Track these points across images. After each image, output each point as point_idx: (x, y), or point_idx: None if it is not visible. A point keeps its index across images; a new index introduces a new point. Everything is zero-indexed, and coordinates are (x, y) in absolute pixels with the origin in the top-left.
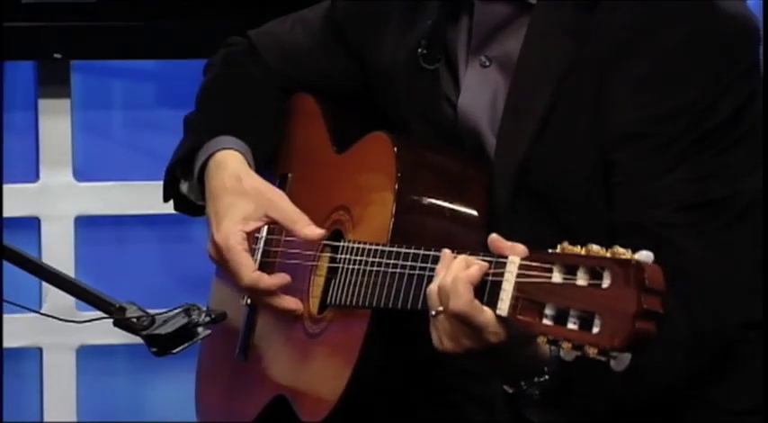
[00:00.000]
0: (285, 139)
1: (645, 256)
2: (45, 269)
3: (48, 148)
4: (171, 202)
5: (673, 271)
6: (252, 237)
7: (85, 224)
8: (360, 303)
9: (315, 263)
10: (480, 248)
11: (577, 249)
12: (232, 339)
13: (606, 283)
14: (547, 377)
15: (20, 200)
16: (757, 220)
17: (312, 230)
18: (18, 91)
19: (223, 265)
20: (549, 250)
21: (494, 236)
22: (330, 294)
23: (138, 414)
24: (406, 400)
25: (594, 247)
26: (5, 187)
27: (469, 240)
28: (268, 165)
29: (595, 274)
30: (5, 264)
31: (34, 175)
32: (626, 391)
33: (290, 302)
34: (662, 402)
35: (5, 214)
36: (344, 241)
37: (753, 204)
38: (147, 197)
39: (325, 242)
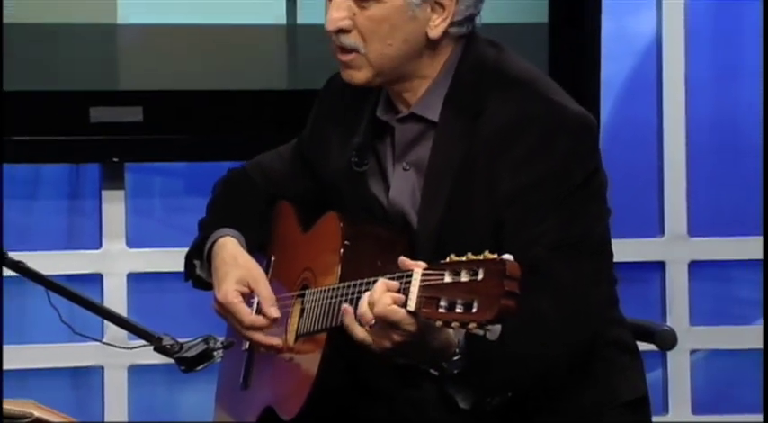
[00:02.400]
0: (271, 234)
1: (506, 256)
2: (105, 310)
3: (108, 224)
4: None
5: (549, 290)
6: (247, 297)
7: (135, 279)
8: (320, 328)
9: (290, 309)
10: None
11: (461, 258)
12: (237, 377)
13: (480, 276)
14: (459, 356)
15: (87, 261)
16: (607, 257)
17: (273, 311)
18: (87, 185)
19: (226, 316)
20: (441, 261)
21: (401, 257)
22: (299, 327)
23: (173, 414)
24: (353, 405)
25: (471, 255)
26: (78, 252)
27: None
28: (259, 250)
29: (473, 272)
30: (76, 307)
31: (98, 244)
32: (515, 372)
33: (273, 340)
34: (542, 386)
35: (78, 271)
36: (309, 289)
37: (602, 245)
38: (179, 260)
39: (296, 293)
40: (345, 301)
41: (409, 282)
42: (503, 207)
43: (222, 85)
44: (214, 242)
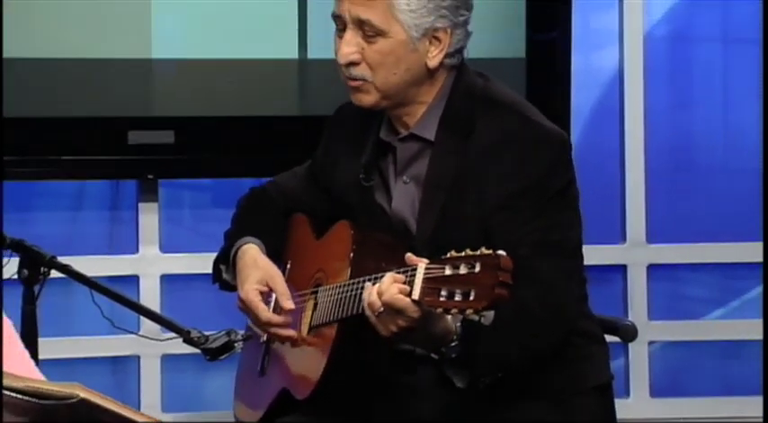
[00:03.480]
0: (287, 242)
1: (500, 252)
2: (141, 307)
3: (144, 232)
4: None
5: (533, 285)
6: (265, 295)
7: (167, 280)
8: (332, 319)
9: (304, 305)
10: None
11: (460, 254)
12: (255, 365)
13: (477, 269)
14: (456, 343)
15: (126, 264)
16: (580, 259)
17: (288, 304)
18: (126, 198)
19: (247, 312)
20: (442, 257)
21: (408, 254)
22: (313, 320)
23: (200, 397)
24: (358, 389)
25: (469, 251)
26: (118, 257)
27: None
28: (276, 256)
29: (471, 266)
30: (116, 304)
31: (135, 249)
32: (504, 355)
33: (289, 332)
34: (527, 367)
35: (117, 273)
36: (321, 287)
37: (576, 248)
38: (206, 263)
39: (309, 290)
40: (355, 294)
41: (414, 275)
42: (491, 213)
43: (242, 112)
44: (238, 249)
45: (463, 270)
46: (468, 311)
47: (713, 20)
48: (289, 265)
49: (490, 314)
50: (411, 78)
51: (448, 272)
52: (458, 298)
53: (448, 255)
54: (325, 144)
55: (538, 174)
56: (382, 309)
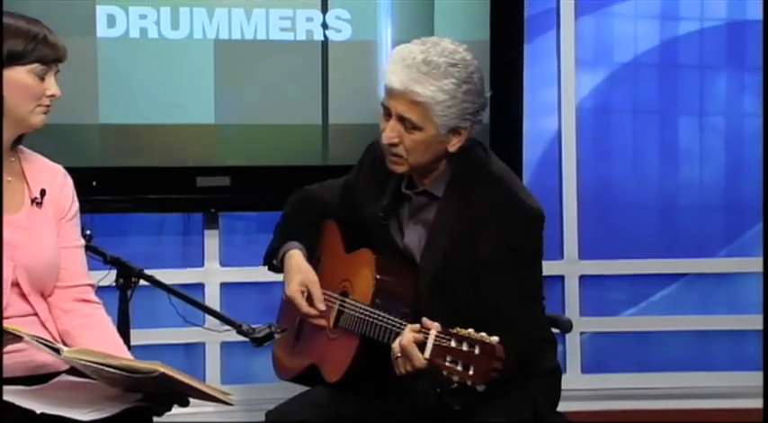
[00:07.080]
0: (321, 240)
1: (495, 339)
2: (206, 307)
3: (208, 251)
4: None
5: (507, 328)
6: (305, 293)
7: (226, 287)
8: (354, 332)
9: (332, 304)
10: (410, 305)
11: (464, 331)
12: (292, 332)
13: (477, 351)
14: (457, 384)
15: (195, 275)
16: (542, 299)
17: (321, 306)
18: (194, 226)
19: (293, 304)
20: (451, 329)
21: (424, 319)
22: (340, 321)
23: (248, 373)
24: (374, 377)
25: (472, 331)
26: (189, 270)
27: (405, 298)
28: (311, 250)
29: (471, 346)
30: (189, 305)
31: (202, 264)
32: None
33: (321, 320)
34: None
35: (188, 282)
36: (348, 297)
37: (540, 291)
38: (255, 275)
39: (337, 293)
40: (375, 324)
41: (427, 336)
42: (481, 265)
43: (279, 163)
44: (286, 251)
45: (465, 347)
46: (468, 382)
47: (626, 96)
48: (321, 263)
49: (483, 387)
50: (434, 158)
51: (453, 344)
52: (459, 368)
53: (454, 330)
54: (357, 171)
55: (517, 239)
56: (400, 354)
